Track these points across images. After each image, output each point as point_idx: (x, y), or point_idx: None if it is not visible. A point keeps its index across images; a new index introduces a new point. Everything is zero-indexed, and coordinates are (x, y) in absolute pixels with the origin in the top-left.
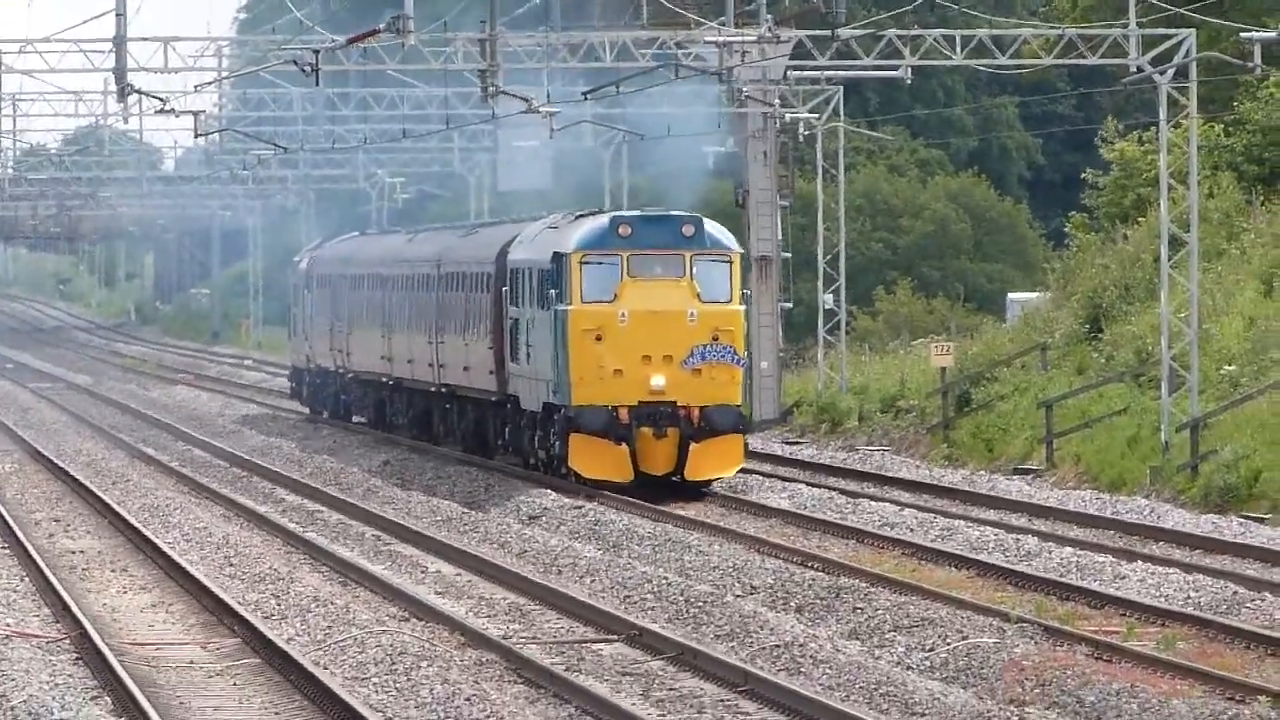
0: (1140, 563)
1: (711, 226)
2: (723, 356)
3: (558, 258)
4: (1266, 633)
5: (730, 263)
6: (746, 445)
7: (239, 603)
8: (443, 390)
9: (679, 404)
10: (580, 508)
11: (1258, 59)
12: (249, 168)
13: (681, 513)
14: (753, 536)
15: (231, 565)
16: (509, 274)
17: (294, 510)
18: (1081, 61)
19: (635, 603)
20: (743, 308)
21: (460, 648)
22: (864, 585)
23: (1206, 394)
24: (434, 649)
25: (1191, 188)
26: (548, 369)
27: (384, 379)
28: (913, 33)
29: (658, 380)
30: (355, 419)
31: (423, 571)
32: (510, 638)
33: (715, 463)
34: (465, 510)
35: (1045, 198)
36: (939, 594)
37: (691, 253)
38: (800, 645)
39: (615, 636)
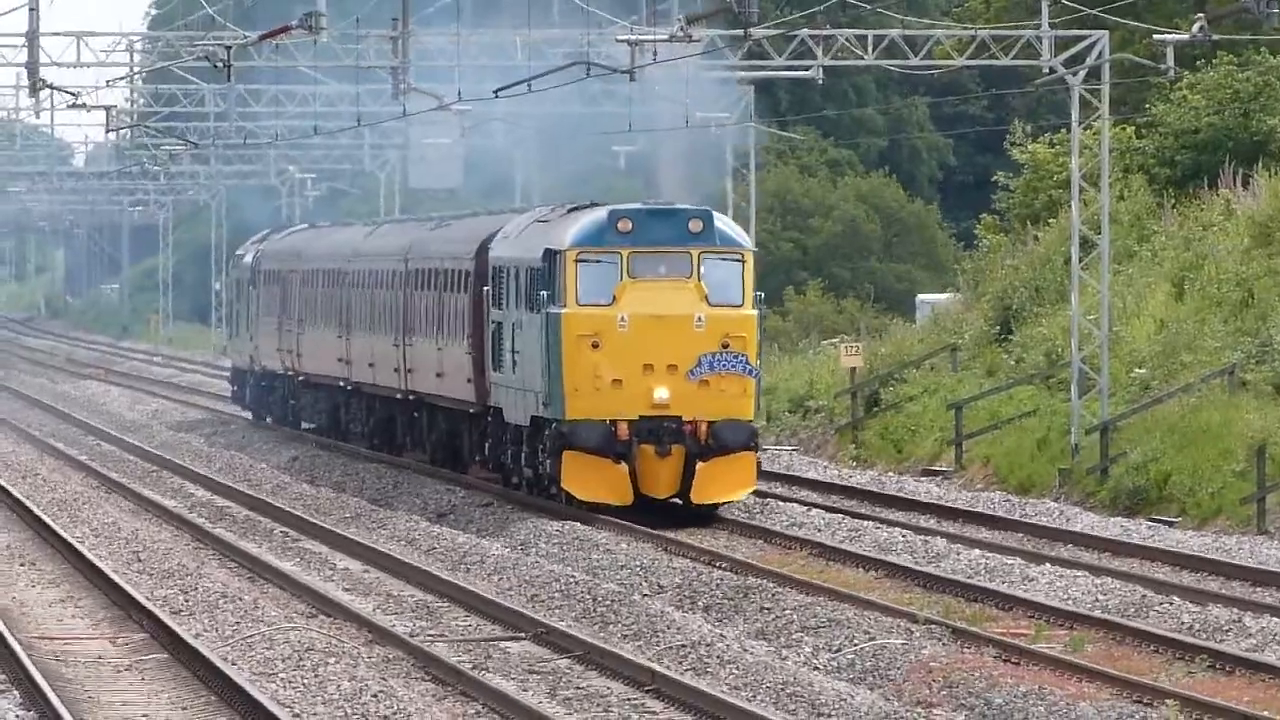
0: (1049, 565)
1: (721, 221)
2: (733, 366)
3: (550, 255)
4: (1175, 636)
5: (742, 261)
6: (759, 465)
7: (147, 598)
8: (410, 398)
9: (684, 419)
10: (489, 505)
11: (1170, 61)
12: (160, 163)
13: (588, 512)
14: (660, 535)
15: (140, 560)
16: (491, 272)
17: (203, 506)
18: (994, 62)
19: (543, 601)
20: (756, 312)
21: (368, 644)
22: (771, 585)
23: (1116, 396)
24: (342, 645)
25: (1103, 189)
26: (537, 379)
27: (341, 383)
28: (824, 32)
29: (661, 392)
30: (304, 425)
31: (331, 568)
32: (417, 635)
33: (724, 484)
34: (374, 507)
35: (956, 199)
36: (847, 595)
37: (699, 250)
38: (707, 645)
39: (522, 635)
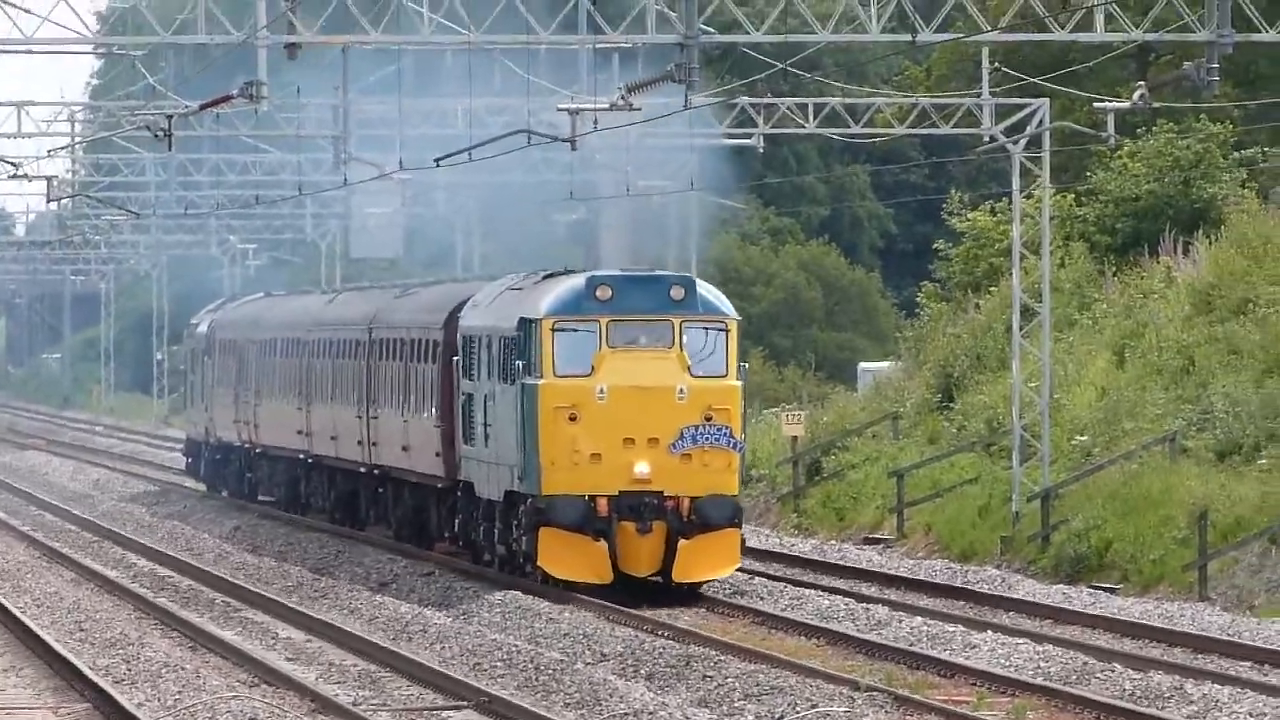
0: (991, 632)
1: (704, 289)
2: (717, 439)
3: (525, 324)
4: (1116, 703)
5: (726, 331)
6: (744, 542)
7: (90, 667)
8: (374, 471)
9: (666, 494)
10: (430, 574)
11: (1111, 129)
12: (101, 233)
13: (529, 581)
14: (602, 604)
15: (83, 630)
16: (461, 342)
17: (145, 575)
18: (934, 131)
19: (485, 670)
20: (740, 383)
21: (310, 714)
22: (714, 653)
23: (1058, 464)
24: (284, 715)
25: (1044, 257)
26: (511, 452)
27: (300, 456)
28: (765, 101)
29: (641, 467)
30: (262, 498)
31: (273, 637)
32: (360, 704)
33: (708, 562)
34: (315, 576)
35: (897, 267)
36: (789, 662)
37: (681, 319)
38: (650, 713)
39: (465, 703)
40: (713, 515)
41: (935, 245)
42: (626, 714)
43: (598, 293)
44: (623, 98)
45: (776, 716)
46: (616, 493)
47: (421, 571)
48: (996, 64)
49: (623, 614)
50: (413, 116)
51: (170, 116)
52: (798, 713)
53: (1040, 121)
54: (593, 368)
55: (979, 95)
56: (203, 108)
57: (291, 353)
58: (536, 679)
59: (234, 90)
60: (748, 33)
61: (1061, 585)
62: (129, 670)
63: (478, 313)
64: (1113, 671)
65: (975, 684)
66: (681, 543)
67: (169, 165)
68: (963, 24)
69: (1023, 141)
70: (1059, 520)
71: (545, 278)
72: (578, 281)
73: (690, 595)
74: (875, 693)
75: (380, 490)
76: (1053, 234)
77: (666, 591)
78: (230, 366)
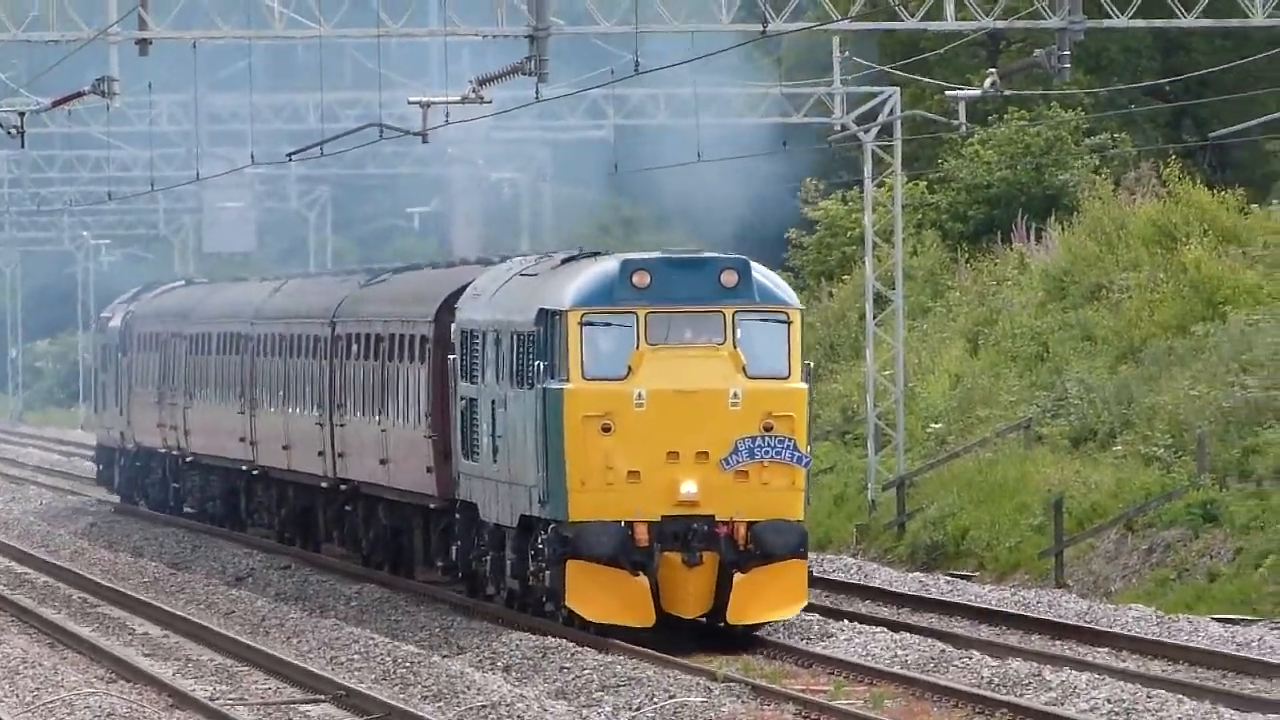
0: (847, 621)
1: (761, 273)
2: (778, 453)
3: (545, 316)
4: (974, 690)
5: (788, 322)
6: (811, 574)
7: None
8: (341, 487)
9: (718, 519)
10: (287, 568)
11: (962, 117)
12: None
13: (381, 576)
14: (457, 596)
15: None
16: (460, 338)
17: (1, 572)
18: (786, 120)
19: (342, 663)
20: (805, 385)
21: (169, 709)
22: (570, 645)
23: (913, 452)
24: (142, 711)
25: (896, 245)
26: (529, 470)
27: (243, 466)
28: (617, 91)
29: (688, 487)
30: (188, 510)
31: (130, 633)
32: (218, 699)
33: (769, 600)
34: (172, 571)
35: (750, 255)
36: (646, 654)
37: (734, 309)
38: (508, 705)
39: (322, 697)
40: (774, 543)
41: (788, 234)
42: (484, 706)
43: (634, 279)
44: (474, 90)
45: (634, 707)
46: (659, 518)
47: (278, 565)
48: (846, 52)
49: (479, 606)
50: (264, 111)
51: (22, 113)
52: (655, 704)
53: (891, 110)
54: (629, 369)
55: (830, 84)
56: (55, 104)
57: (230, 349)
58: (394, 672)
59: (86, 87)
60: (598, 24)
61: (918, 573)
62: None
63: (480, 303)
64: (970, 659)
65: (833, 673)
66: (737, 577)
67: (21, 162)
68: (813, 13)
69: (874, 130)
70: (915, 508)
71: (565, 260)
72: (609, 266)
73: (746, 640)
74: (732, 683)
75: (348, 508)
76: (905, 222)
77: (718, 635)
78: (153, 364)
